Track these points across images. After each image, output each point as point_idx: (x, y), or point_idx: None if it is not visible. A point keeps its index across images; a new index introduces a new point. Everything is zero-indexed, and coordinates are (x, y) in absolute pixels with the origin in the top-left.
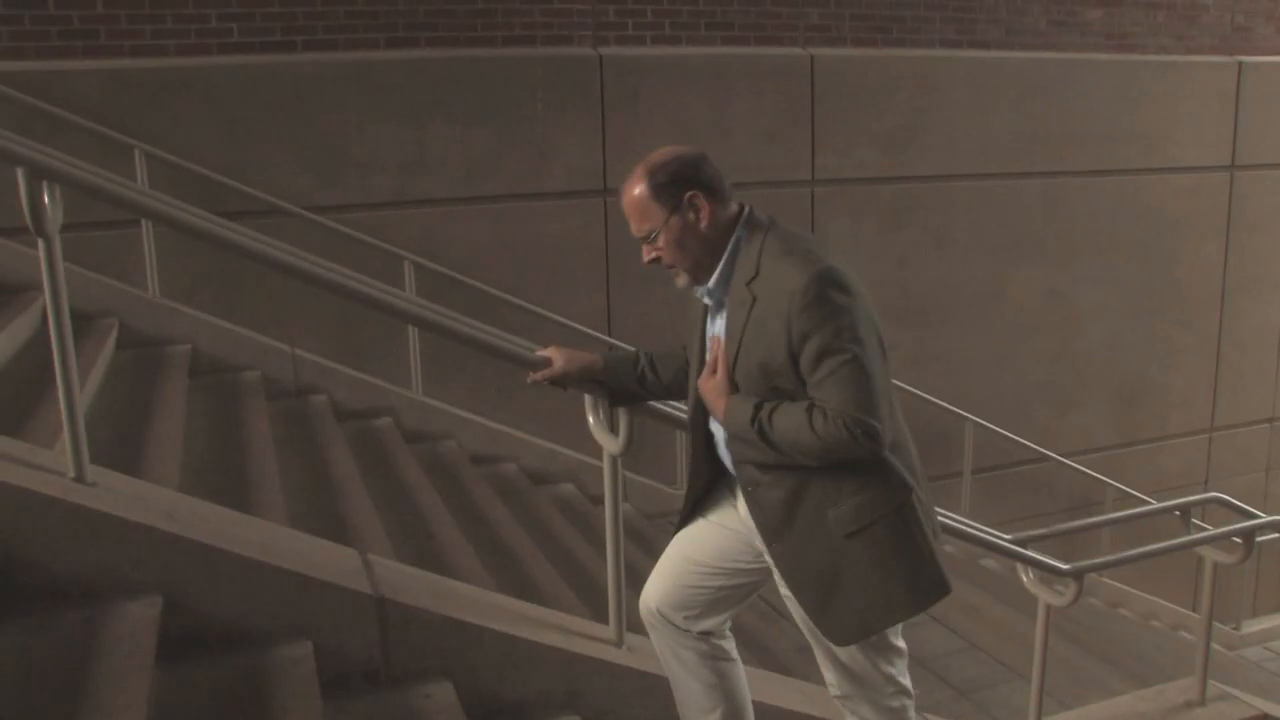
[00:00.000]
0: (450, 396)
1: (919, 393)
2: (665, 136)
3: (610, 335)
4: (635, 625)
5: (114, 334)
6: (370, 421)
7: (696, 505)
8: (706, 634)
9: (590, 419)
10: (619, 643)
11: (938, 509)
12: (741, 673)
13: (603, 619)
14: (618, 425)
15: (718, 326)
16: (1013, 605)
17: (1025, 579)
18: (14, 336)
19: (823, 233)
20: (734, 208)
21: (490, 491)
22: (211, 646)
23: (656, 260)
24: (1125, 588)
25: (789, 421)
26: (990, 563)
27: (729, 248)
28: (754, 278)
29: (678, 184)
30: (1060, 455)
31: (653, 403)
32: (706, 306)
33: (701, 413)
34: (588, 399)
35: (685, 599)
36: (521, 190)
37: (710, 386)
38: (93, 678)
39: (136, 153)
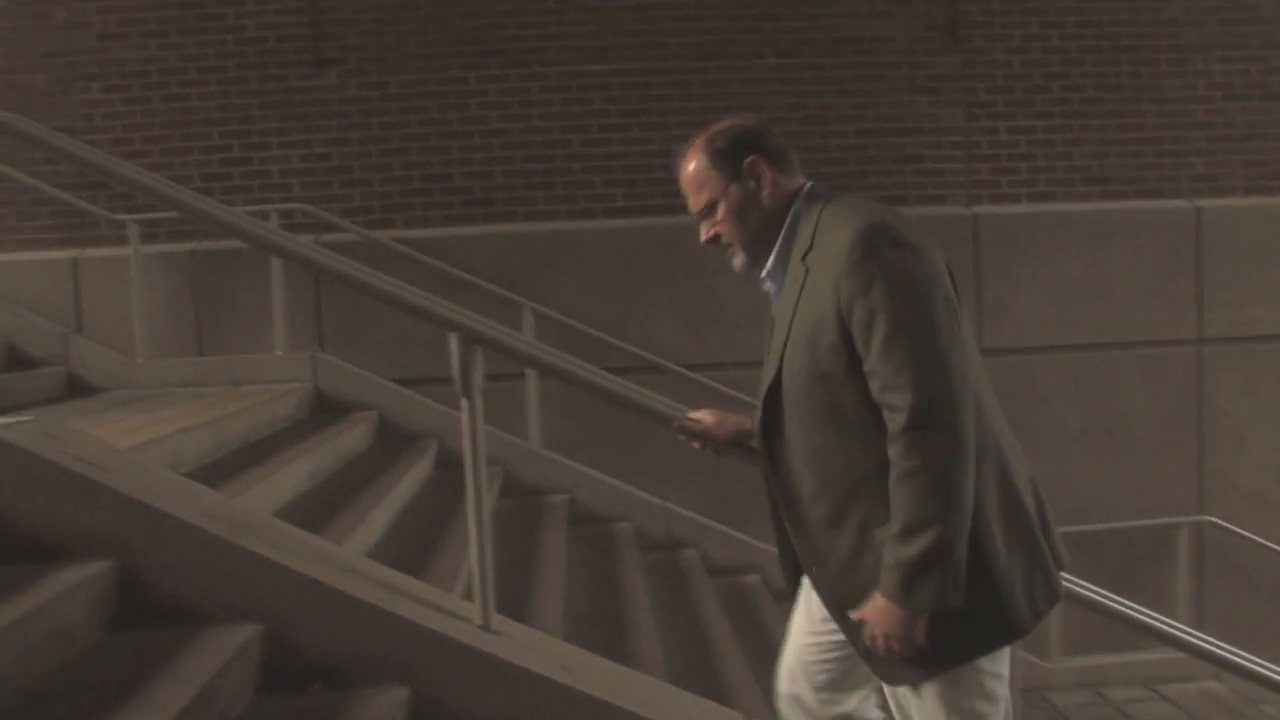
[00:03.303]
0: None
1: None
2: (1040, 295)
3: None
4: None
5: (499, 482)
6: (739, 578)
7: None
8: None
9: None
10: None
11: None
12: None
13: None
14: None
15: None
16: None
17: None
18: (414, 480)
19: (1212, 394)
20: (798, 181)
21: None
22: None
23: (715, 239)
24: None
25: (899, 504)
26: None
27: (786, 221)
28: (809, 250)
29: (738, 149)
30: None
31: None
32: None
33: (772, 425)
34: None
35: (812, 675)
36: None
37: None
38: None
39: (525, 310)
